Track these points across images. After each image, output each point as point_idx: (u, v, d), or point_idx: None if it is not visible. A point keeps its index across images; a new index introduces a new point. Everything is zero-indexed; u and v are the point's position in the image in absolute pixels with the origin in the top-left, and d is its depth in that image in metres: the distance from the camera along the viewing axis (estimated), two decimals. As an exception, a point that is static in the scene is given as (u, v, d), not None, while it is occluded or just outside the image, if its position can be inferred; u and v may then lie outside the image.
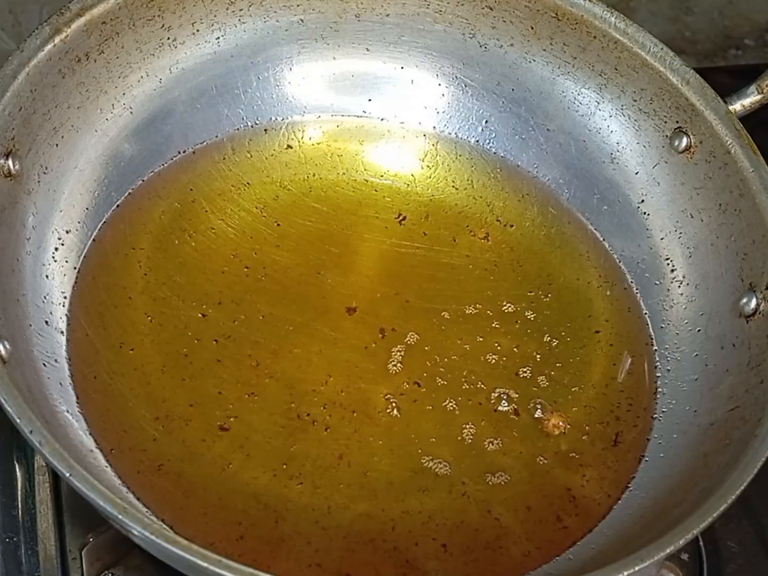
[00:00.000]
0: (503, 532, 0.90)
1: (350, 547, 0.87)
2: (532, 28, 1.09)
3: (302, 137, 1.10)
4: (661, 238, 1.07)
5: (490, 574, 0.88)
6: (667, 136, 1.05)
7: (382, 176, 1.10)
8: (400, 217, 1.06)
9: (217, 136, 1.09)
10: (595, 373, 1.01)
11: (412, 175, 1.10)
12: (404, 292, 1.02)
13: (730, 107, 1.02)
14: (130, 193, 1.04)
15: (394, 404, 0.94)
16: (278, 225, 1.04)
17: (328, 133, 1.11)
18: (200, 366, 0.95)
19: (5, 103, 0.91)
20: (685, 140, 1.04)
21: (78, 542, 0.92)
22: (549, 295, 1.05)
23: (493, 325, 1.01)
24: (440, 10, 1.10)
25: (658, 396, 0.99)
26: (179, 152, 1.07)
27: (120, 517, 0.75)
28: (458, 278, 1.04)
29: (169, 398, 0.93)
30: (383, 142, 1.12)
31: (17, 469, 0.97)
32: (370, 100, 1.13)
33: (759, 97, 1.02)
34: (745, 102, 1.02)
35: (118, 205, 1.03)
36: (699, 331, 1.02)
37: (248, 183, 1.07)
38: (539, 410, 0.96)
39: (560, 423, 0.95)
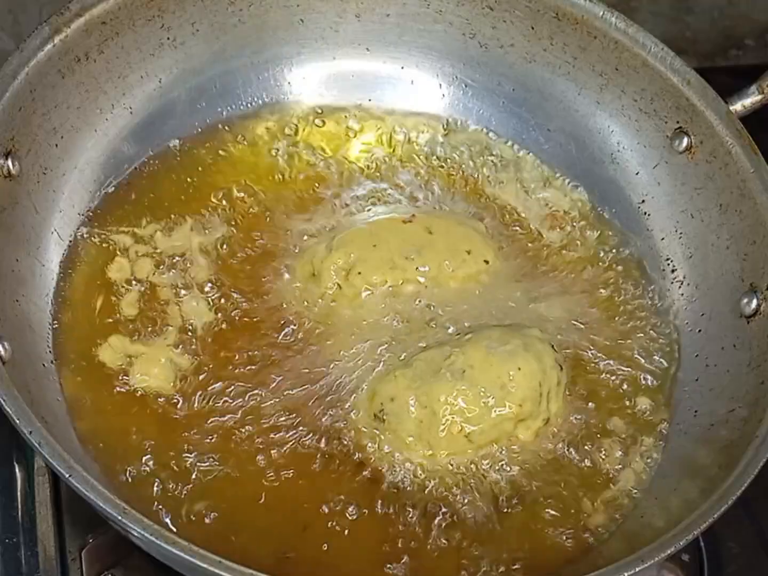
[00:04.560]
0: None
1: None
2: (533, 28, 1.09)
3: (302, 137, 1.10)
4: (662, 239, 1.07)
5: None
6: (667, 136, 1.05)
7: (383, 176, 1.10)
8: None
9: (216, 136, 1.09)
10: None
11: (414, 175, 1.10)
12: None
13: (731, 107, 1.02)
14: (129, 193, 1.04)
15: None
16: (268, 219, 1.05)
17: (328, 133, 1.11)
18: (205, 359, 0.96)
19: (5, 103, 0.92)
20: (685, 140, 1.04)
21: (77, 543, 0.93)
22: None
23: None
24: (440, 10, 1.10)
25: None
26: (179, 151, 1.07)
27: (120, 518, 0.75)
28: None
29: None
30: (383, 142, 1.12)
31: (17, 470, 0.97)
32: (370, 100, 1.13)
33: (760, 97, 1.02)
34: (746, 102, 1.02)
35: (117, 205, 1.03)
36: (699, 331, 1.02)
37: (244, 180, 1.07)
38: None
39: None
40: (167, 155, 1.06)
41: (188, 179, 1.06)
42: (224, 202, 1.05)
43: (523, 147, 1.12)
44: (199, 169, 1.06)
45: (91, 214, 1.01)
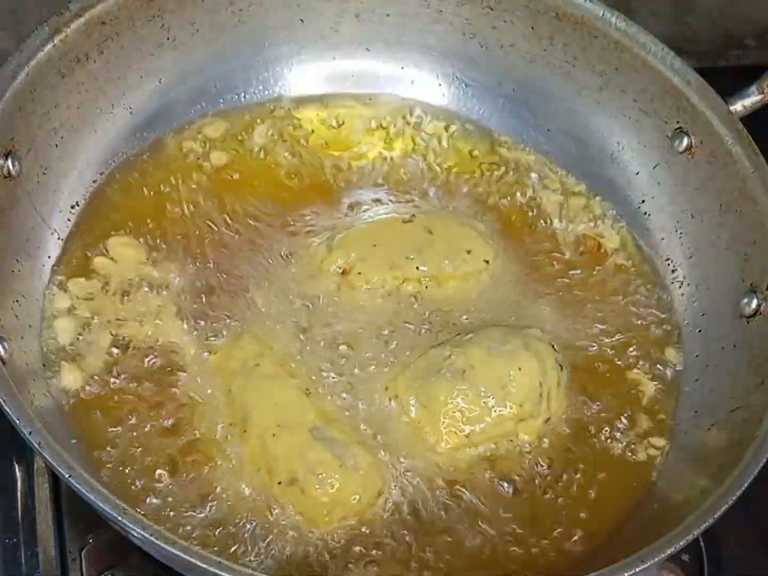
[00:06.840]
0: None
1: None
2: (533, 28, 1.09)
3: (302, 136, 1.10)
4: (662, 239, 1.07)
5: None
6: (668, 136, 1.05)
7: (383, 176, 1.10)
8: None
9: (216, 136, 1.09)
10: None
11: (414, 175, 1.10)
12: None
13: (731, 107, 1.02)
14: (130, 192, 1.04)
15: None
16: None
17: (328, 133, 1.11)
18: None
19: (5, 103, 0.92)
20: (685, 140, 1.04)
21: (77, 543, 0.93)
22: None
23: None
24: (440, 10, 1.10)
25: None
26: (179, 151, 1.07)
27: (120, 518, 0.75)
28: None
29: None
30: (383, 143, 1.12)
31: (17, 471, 0.97)
32: (370, 99, 1.14)
33: (760, 97, 1.02)
34: (746, 102, 1.02)
35: (117, 204, 1.03)
36: (699, 331, 1.02)
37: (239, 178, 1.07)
38: None
39: None
40: (167, 155, 1.07)
41: (186, 177, 1.06)
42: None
43: (523, 146, 1.12)
44: (198, 168, 1.06)
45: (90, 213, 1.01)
